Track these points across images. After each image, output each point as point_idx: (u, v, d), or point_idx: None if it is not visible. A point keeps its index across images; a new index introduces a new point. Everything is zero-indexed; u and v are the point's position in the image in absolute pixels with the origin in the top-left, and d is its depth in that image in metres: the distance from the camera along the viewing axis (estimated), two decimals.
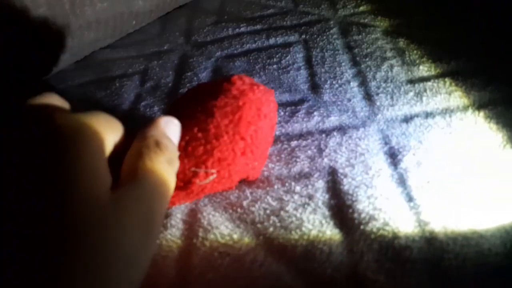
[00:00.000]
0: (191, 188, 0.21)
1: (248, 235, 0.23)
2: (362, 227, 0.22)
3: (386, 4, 0.43)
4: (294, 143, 0.28)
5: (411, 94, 0.31)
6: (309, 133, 0.29)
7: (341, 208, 0.24)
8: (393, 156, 0.26)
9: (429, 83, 0.31)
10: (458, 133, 0.27)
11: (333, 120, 0.30)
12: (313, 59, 0.36)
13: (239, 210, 0.24)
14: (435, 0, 0.42)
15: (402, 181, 0.25)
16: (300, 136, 0.29)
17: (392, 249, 0.21)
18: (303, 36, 0.39)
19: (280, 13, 0.44)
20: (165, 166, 0.18)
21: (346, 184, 0.25)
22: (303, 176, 0.26)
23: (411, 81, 0.32)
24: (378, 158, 0.26)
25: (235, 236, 0.23)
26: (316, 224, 0.23)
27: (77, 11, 0.33)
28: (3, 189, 0.15)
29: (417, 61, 0.34)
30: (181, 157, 0.21)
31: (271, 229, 0.23)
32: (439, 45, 0.35)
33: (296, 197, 0.24)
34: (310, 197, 0.24)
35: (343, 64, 0.35)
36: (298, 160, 0.27)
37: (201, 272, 0.21)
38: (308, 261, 0.21)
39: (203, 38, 0.42)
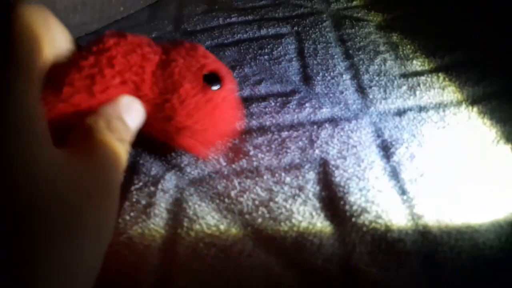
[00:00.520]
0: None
1: (236, 226, 0.22)
2: (354, 219, 0.22)
3: None
4: (284, 133, 0.27)
5: (404, 88, 0.30)
6: (301, 124, 0.28)
7: (332, 200, 0.23)
8: (386, 149, 0.26)
9: (423, 78, 0.31)
10: (451, 127, 0.27)
11: (325, 112, 0.29)
12: (305, 51, 0.35)
13: (226, 200, 0.23)
14: None
15: (395, 174, 0.24)
16: (291, 127, 0.28)
17: (385, 242, 0.20)
18: (295, 28, 0.38)
19: (272, 4, 0.43)
20: (116, 142, 0.19)
21: (338, 176, 0.24)
22: (293, 167, 0.25)
23: (404, 75, 0.31)
24: (371, 151, 0.26)
25: (222, 227, 0.22)
26: (306, 216, 0.22)
27: None
28: None
29: (411, 56, 0.33)
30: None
31: (259, 220, 0.22)
32: (433, 40, 0.35)
33: (286, 188, 0.24)
34: (301, 188, 0.24)
35: (335, 56, 0.34)
36: (288, 151, 0.26)
37: (186, 261, 0.20)
38: (298, 252, 0.20)
39: (192, 27, 0.40)
